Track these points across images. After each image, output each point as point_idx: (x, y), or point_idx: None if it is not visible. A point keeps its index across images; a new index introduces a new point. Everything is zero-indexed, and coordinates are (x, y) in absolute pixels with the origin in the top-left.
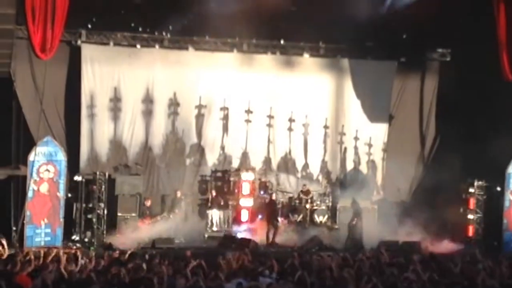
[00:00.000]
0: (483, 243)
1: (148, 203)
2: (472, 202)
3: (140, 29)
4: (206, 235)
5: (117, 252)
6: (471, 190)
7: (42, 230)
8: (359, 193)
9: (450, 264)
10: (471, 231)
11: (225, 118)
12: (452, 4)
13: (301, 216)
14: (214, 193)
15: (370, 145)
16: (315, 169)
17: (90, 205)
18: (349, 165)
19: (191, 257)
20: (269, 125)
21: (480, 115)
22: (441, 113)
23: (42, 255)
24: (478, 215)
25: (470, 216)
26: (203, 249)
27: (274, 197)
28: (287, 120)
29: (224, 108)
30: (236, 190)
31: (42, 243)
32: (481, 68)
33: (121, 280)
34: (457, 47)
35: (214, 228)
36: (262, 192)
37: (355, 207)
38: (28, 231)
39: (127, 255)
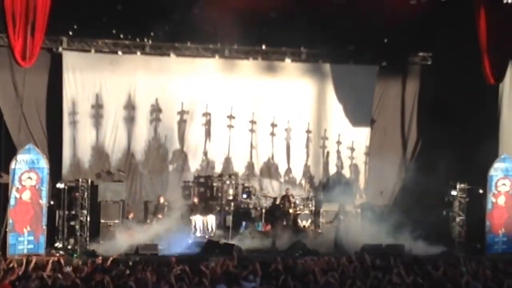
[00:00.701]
0: (466, 246)
1: (130, 216)
2: (455, 205)
3: (121, 35)
4: (189, 241)
5: (100, 259)
6: (454, 193)
7: (24, 238)
8: (342, 197)
9: (433, 267)
10: (454, 233)
11: (208, 123)
12: (433, 9)
13: (284, 220)
14: (197, 199)
15: (352, 149)
16: (298, 174)
17: (73, 212)
18: (332, 169)
19: (175, 263)
20: (252, 130)
21: (461, 119)
22: (423, 117)
23: (25, 263)
24: (461, 217)
25: (453, 219)
26: (187, 255)
27: (277, 201)
28: (270, 125)
29: (207, 114)
30: (219, 196)
31: (25, 251)
32: (463, 71)
33: (105, 287)
34: (438, 51)
35: (198, 234)
36: (245, 197)
37: (340, 211)
38: (10, 239)
39: (110, 262)
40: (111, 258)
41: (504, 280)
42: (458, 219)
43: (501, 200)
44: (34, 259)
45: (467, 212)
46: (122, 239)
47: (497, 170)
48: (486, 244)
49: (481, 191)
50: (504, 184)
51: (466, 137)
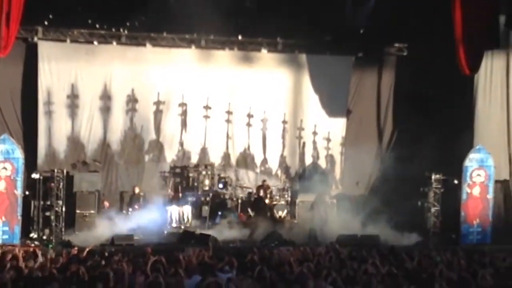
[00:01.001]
0: (441, 236)
1: (106, 204)
2: (430, 195)
3: (97, 25)
4: (165, 231)
5: (76, 249)
6: (429, 183)
7: None
8: (318, 188)
9: (408, 257)
10: (429, 224)
11: (184, 114)
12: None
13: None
14: (173, 189)
15: (328, 140)
16: (274, 164)
17: (48, 203)
18: (308, 160)
19: (151, 253)
20: (228, 121)
21: (437, 109)
22: (399, 107)
23: (0, 253)
24: (436, 208)
25: (428, 209)
26: (163, 245)
27: (261, 193)
28: (246, 115)
29: (183, 104)
30: (195, 186)
31: (0, 241)
32: (438, 62)
33: (80, 277)
34: (414, 42)
35: (174, 224)
36: (221, 187)
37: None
38: None
39: (85, 252)
40: (87, 249)
41: (478, 270)
42: (433, 209)
43: (476, 191)
44: (12, 249)
45: (442, 203)
46: (99, 229)
47: (472, 160)
48: (461, 235)
49: (456, 181)
50: (479, 175)
51: (441, 127)
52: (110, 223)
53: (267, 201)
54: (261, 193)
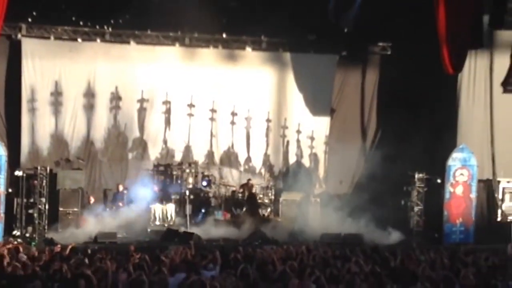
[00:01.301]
0: (424, 235)
1: (92, 200)
2: (413, 194)
3: (81, 23)
4: (149, 229)
5: (59, 247)
6: (412, 182)
7: None
8: (302, 186)
9: (391, 255)
10: (412, 223)
11: (168, 112)
12: None
13: (244, 209)
14: (156, 187)
15: (312, 138)
16: (257, 163)
17: (31, 200)
18: (292, 159)
19: (134, 251)
20: (212, 119)
21: (420, 108)
22: (382, 106)
23: None
24: (419, 207)
25: (411, 208)
26: (146, 243)
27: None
28: (230, 113)
29: (166, 102)
30: (179, 184)
31: None
32: (422, 61)
33: (63, 275)
34: (397, 41)
35: (157, 222)
36: (204, 185)
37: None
38: None
39: (68, 250)
40: (69, 247)
41: (461, 269)
42: (416, 208)
43: (459, 190)
44: None
45: (426, 202)
46: (85, 226)
47: (455, 160)
48: (444, 234)
49: (439, 180)
50: (462, 174)
51: (425, 126)
52: (95, 220)
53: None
54: (246, 191)
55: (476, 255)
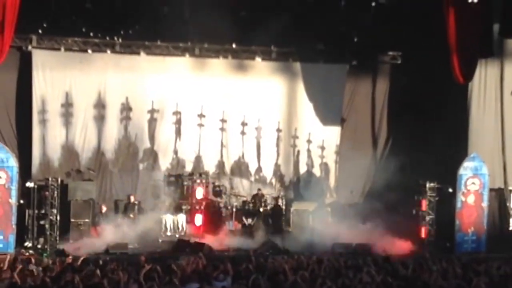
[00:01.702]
0: (435, 245)
1: (103, 209)
2: (424, 204)
3: (91, 34)
4: (160, 240)
5: (70, 258)
6: (424, 191)
7: None
8: (312, 196)
9: (403, 266)
10: (423, 232)
11: (178, 122)
12: (402, 8)
13: (255, 219)
14: (167, 198)
15: (322, 148)
16: (268, 173)
17: (43, 211)
18: (302, 168)
19: (145, 262)
20: (222, 129)
21: (431, 117)
22: (393, 116)
23: None
24: (431, 216)
25: (423, 218)
26: (157, 254)
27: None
28: (240, 123)
29: (177, 113)
30: (189, 194)
31: None
32: (432, 70)
33: (75, 286)
34: (408, 50)
35: (168, 233)
36: (215, 196)
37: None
38: None
39: (80, 261)
40: (81, 258)
41: (473, 279)
42: (427, 217)
43: (471, 199)
44: (6, 258)
45: (437, 211)
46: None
47: (466, 169)
48: (456, 243)
49: (450, 190)
50: (473, 183)
51: (436, 136)
52: (106, 230)
53: (261, 209)
54: (256, 202)
55: (488, 264)
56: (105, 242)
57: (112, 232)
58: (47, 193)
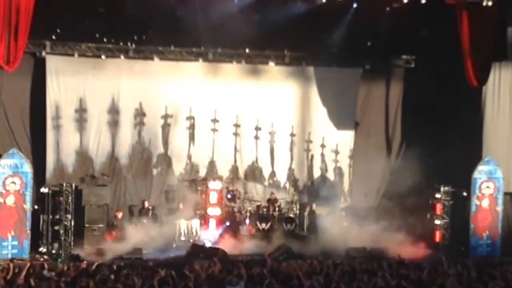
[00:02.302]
0: (450, 249)
1: (119, 215)
2: (438, 208)
3: (105, 39)
4: (174, 245)
5: (85, 263)
6: (438, 195)
7: (9, 242)
8: (327, 200)
9: (418, 270)
10: (438, 236)
11: (192, 127)
12: (415, 11)
13: (269, 224)
14: (181, 203)
15: (336, 152)
16: (282, 177)
17: (57, 217)
18: (316, 173)
19: (153, 267)
20: (236, 134)
21: (445, 121)
22: (407, 119)
23: (11, 268)
24: (445, 220)
25: (437, 222)
26: (172, 259)
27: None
28: (254, 128)
29: (190, 118)
30: (203, 199)
31: (9, 256)
32: (446, 74)
33: None
34: (421, 53)
35: (182, 238)
36: (229, 199)
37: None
38: None
39: (94, 266)
40: (96, 263)
41: (488, 282)
42: (442, 221)
43: (485, 203)
44: (18, 264)
45: (451, 215)
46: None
47: (481, 172)
48: (470, 247)
49: (465, 193)
50: (488, 187)
51: (450, 139)
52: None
53: (275, 214)
54: (270, 206)
55: (503, 268)
56: (119, 247)
57: (126, 237)
58: (61, 198)
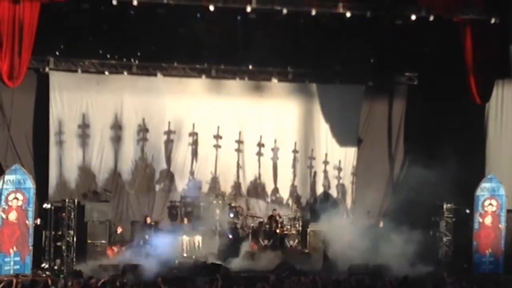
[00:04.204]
0: (453, 266)
1: (119, 230)
2: (441, 225)
3: (108, 55)
4: (176, 261)
5: (87, 279)
6: (441, 212)
7: (11, 258)
8: (329, 217)
9: (421, 287)
10: (441, 253)
11: (194, 143)
12: (418, 28)
13: (271, 240)
14: (184, 219)
15: (339, 169)
16: (284, 194)
17: (60, 233)
18: (319, 189)
19: (162, 283)
20: (238, 150)
21: (448, 138)
22: (410, 136)
23: (14, 283)
24: (448, 237)
25: (440, 239)
26: (174, 275)
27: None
28: (256, 144)
29: (193, 134)
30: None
31: (11, 272)
32: (449, 91)
33: None
34: (424, 71)
35: (185, 254)
36: (232, 216)
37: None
38: None
39: (100, 283)
40: (102, 280)
41: None
42: (445, 239)
43: (488, 220)
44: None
45: (454, 232)
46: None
47: (483, 190)
48: (473, 264)
49: (468, 211)
50: (491, 204)
51: (452, 156)
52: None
53: (277, 230)
54: (273, 223)
55: (506, 285)
56: (121, 263)
57: (128, 253)
58: (63, 214)
